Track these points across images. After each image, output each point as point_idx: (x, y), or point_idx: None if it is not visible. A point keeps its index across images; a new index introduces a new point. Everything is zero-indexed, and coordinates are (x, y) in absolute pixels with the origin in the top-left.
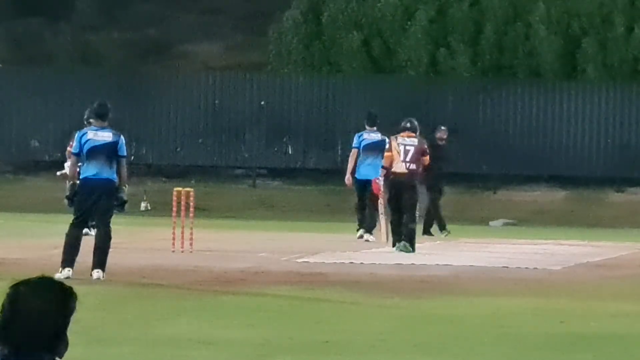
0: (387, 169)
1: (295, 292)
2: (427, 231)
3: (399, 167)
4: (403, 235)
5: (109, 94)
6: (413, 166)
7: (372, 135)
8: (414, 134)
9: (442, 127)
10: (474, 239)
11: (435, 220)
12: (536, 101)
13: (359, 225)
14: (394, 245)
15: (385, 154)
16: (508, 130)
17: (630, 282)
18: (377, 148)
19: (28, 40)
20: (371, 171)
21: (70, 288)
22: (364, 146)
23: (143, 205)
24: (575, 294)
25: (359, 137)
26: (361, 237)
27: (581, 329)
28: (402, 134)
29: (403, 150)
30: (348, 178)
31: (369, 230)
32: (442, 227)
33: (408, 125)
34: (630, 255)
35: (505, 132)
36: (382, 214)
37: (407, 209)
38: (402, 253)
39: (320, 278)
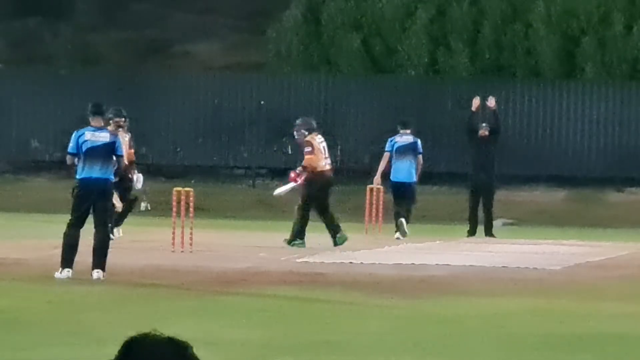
0: (305, 167)
1: (295, 292)
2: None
3: (324, 165)
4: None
5: (109, 94)
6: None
7: (404, 138)
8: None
9: (483, 124)
10: (474, 239)
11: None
12: (535, 100)
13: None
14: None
15: (306, 156)
16: (507, 129)
17: (630, 282)
18: (410, 150)
19: (28, 40)
20: (404, 173)
21: (188, 346)
22: (396, 149)
23: (143, 205)
24: (575, 294)
25: (391, 140)
26: (399, 237)
27: (581, 329)
28: (314, 134)
29: (323, 148)
30: (377, 179)
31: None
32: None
33: (315, 125)
34: (630, 255)
35: (504, 131)
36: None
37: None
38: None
39: (320, 278)
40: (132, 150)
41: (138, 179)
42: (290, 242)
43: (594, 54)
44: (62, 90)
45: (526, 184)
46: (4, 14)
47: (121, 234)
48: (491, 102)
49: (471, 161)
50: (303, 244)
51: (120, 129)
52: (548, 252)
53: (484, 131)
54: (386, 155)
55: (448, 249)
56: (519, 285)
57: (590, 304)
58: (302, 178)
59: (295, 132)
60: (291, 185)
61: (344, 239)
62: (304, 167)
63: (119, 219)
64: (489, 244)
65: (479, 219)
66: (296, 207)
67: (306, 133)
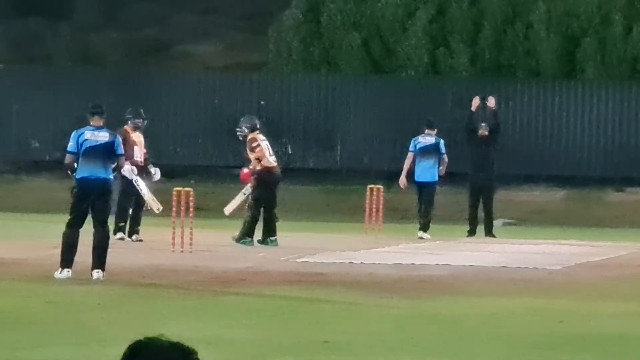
0: (259, 159)
1: (294, 292)
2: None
3: (270, 162)
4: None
5: (109, 94)
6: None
7: (427, 139)
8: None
9: (483, 124)
10: (474, 239)
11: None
12: (535, 101)
13: (421, 227)
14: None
15: (256, 149)
16: (507, 129)
17: (630, 282)
18: (432, 151)
19: (28, 40)
20: (427, 173)
21: (194, 352)
22: (419, 149)
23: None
24: (575, 294)
25: (415, 141)
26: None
27: (581, 329)
28: (255, 132)
29: (266, 146)
30: (402, 179)
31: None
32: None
33: (258, 124)
34: (630, 255)
35: (504, 131)
36: (244, 192)
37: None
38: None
39: (320, 278)
40: (145, 151)
41: (156, 172)
42: (238, 239)
43: (594, 54)
44: (62, 90)
45: (526, 183)
46: (5, 14)
47: (126, 237)
48: (491, 102)
49: (470, 161)
50: (251, 242)
51: (138, 130)
52: (548, 252)
53: (483, 131)
54: (410, 155)
55: (448, 249)
56: (519, 285)
57: (590, 303)
58: (253, 176)
59: (237, 130)
60: (240, 198)
61: (275, 244)
62: (258, 159)
63: (135, 224)
64: (489, 244)
65: (480, 219)
66: (246, 205)
67: (247, 131)
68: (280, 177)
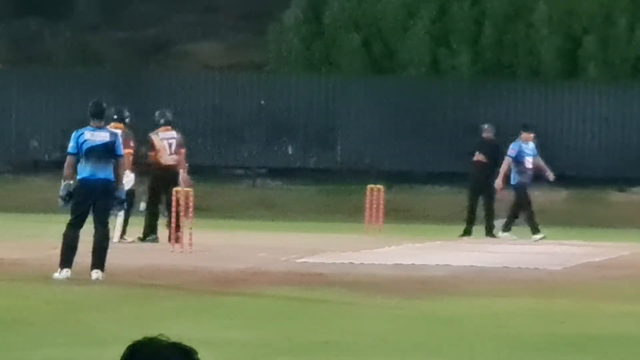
0: (152, 163)
1: (294, 292)
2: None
3: (168, 160)
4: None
5: (109, 94)
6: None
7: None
8: (170, 127)
9: (485, 126)
10: (474, 239)
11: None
12: (537, 100)
13: (533, 230)
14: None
15: (150, 153)
16: (508, 129)
17: (631, 282)
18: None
19: (28, 40)
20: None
21: (194, 352)
22: (519, 153)
23: (142, 205)
24: (576, 294)
25: (514, 145)
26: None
27: (581, 330)
28: (160, 129)
29: (167, 144)
30: (498, 183)
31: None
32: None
33: (162, 120)
34: (632, 256)
35: (505, 131)
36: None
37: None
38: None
39: (320, 278)
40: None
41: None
42: (143, 238)
43: (596, 54)
44: (61, 90)
45: None
46: (5, 14)
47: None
48: (487, 132)
49: (470, 161)
50: (157, 239)
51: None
52: (548, 252)
53: (478, 157)
54: (508, 160)
55: (448, 249)
56: (519, 285)
57: (591, 304)
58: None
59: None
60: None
61: (154, 241)
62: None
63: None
64: (489, 244)
65: (480, 219)
66: (144, 203)
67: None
68: (176, 176)
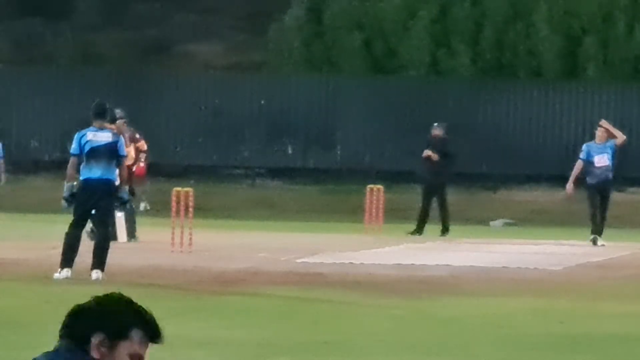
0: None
1: (294, 292)
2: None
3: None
4: None
5: (109, 94)
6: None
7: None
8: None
9: (435, 124)
10: (474, 239)
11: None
12: (537, 100)
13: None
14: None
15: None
16: (508, 129)
17: (631, 282)
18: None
19: (28, 40)
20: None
21: (129, 299)
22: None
23: (142, 205)
24: (575, 294)
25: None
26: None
27: (581, 330)
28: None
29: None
30: (570, 186)
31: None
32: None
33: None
34: (632, 256)
35: (505, 131)
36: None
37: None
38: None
39: (320, 278)
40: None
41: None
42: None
43: (596, 54)
44: (62, 90)
45: (526, 183)
46: (6, 14)
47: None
48: (436, 130)
49: (422, 161)
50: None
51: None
52: (548, 253)
53: (428, 153)
54: (579, 163)
55: (448, 249)
56: (519, 285)
57: (590, 304)
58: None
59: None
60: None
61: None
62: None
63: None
64: (489, 244)
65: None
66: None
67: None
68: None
